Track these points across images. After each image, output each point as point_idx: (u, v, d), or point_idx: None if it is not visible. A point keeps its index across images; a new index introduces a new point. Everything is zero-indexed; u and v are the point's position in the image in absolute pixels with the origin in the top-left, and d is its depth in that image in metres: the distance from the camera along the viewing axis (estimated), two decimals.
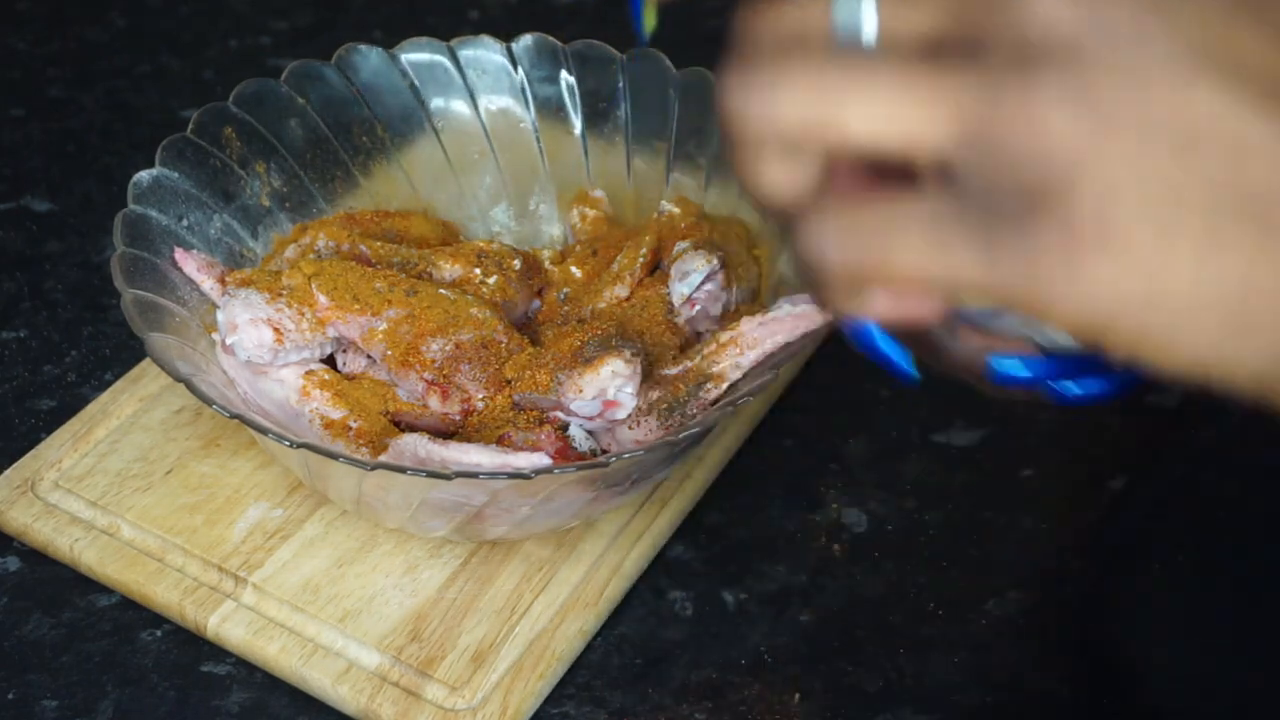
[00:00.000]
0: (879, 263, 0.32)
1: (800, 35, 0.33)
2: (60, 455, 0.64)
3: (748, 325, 0.60)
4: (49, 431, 0.66)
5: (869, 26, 0.33)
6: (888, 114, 0.32)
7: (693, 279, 0.63)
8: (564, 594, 0.60)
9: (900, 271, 0.32)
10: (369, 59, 0.70)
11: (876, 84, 0.32)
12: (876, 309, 0.34)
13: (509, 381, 0.60)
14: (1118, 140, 0.30)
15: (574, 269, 0.67)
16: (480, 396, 0.60)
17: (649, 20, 0.45)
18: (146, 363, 0.69)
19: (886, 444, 0.69)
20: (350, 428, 0.59)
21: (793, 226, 0.34)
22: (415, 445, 0.56)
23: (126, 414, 0.67)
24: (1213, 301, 0.31)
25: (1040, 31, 0.31)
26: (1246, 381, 0.32)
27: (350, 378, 0.62)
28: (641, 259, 0.66)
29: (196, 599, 0.59)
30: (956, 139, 0.31)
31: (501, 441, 0.58)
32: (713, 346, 0.61)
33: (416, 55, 0.71)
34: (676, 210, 0.67)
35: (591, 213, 0.70)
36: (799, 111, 0.32)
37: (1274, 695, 0.53)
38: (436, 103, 0.71)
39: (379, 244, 0.65)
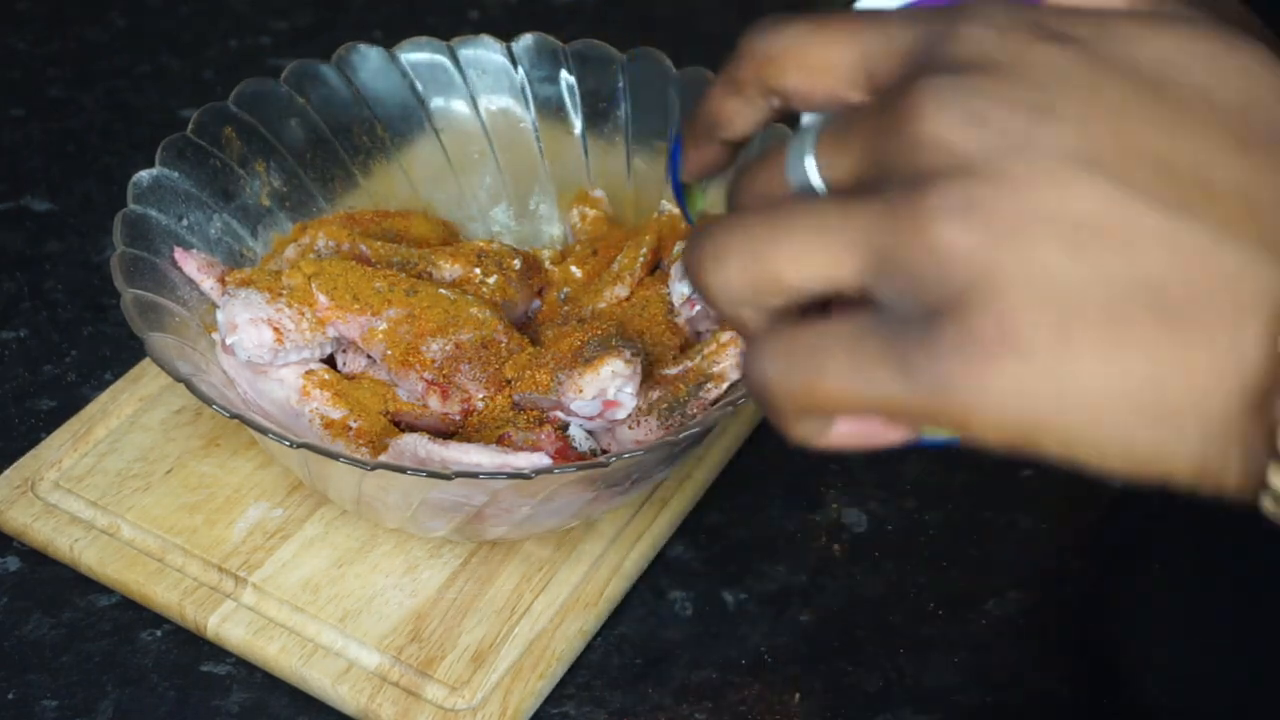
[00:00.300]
0: (810, 387, 0.33)
1: (758, 193, 0.36)
2: (60, 455, 0.64)
3: None
4: (49, 431, 0.66)
5: (815, 179, 0.35)
6: (808, 261, 0.33)
7: None
8: (564, 594, 0.60)
9: (829, 395, 0.33)
10: (369, 59, 0.70)
11: (794, 235, 0.34)
12: (838, 437, 0.35)
13: (509, 381, 0.60)
14: (1007, 245, 0.31)
15: (574, 269, 0.67)
16: (480, 396, 0.60)
17: (694, 204, 0.46)
18: (146, 363, 0.69)
19: None
20: (350, 428, 0.59)
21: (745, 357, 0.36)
22: (415, 445, 0.57)
23: (126, 414, 0.67)
24: (1124, 393, 0.31)
25: (931, 153, 0.32)
26: (1183, 469, 0.32)
27: (350, 378, 0.62)
28: (641, 259, 0.66)
29: (196, 599, 0.59)
30: (867, 269, 0.33)
31: (501, 441, 0.58)
32: (713, 346, 0.61)
33: (416, 55, 0.71)
34: (677, 210, 0.67)
35: (591, 213, 0.70)
36: (741, 277, 0.34)
37: (1274, 695, 0.53)
38: (436, 103, 0.71)
39: (379, 244, 0.65)
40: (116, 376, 0.69)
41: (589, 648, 0.60)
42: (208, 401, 0.54)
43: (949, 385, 0.31)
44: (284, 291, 0.61)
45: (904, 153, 0.32)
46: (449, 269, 0.64)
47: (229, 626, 0.58)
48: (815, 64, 0.36)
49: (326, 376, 0.61)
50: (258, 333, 0.59)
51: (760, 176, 0.36)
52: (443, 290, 0.62)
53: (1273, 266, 0.31)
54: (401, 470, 0.53)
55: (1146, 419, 0.31)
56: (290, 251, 0.65)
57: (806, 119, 0.37)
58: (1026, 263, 0.31)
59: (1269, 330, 0.31)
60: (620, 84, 0.70)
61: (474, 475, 0.52)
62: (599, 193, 0.71)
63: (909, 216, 0.32)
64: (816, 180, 0.35)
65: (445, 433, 0.60)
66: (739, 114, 0.39)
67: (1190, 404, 0.31)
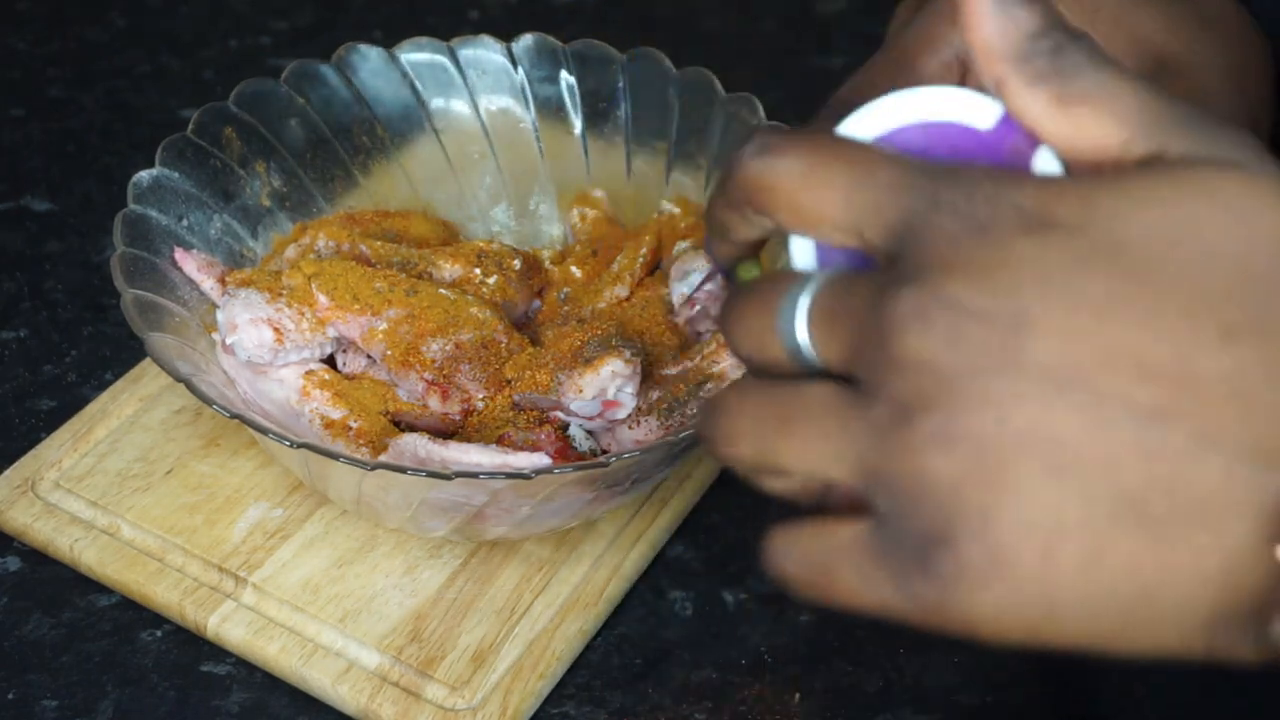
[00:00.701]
0: (822, 590, 0.36)
1: (751, 343, 0.37)
2: (60, 455, 0.64)
3: None
4: (49, 431, 0.66)
5: (808, 351, 0.36)
6: (810, 461, 0.35)
7: (693, 279, 0.63)
8: (564, 594, 0.60)
9: (840, 598, 0.36)
10: (369, 59, 0.70)
11: (797, 434, 0.35)
12: None
13: (509, 381, 0.60)
14: (991, 475, 0.32)
15: (574, 269, 0.67)
16: (480, 396, 0.60)
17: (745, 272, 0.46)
18: (146, 363, 0.69)
19: None
20: (350, 428, 0.59)
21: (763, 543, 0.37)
22: (415, 445, 0.57)
23: (126, 414, 0.67)
24: (1110, 601, 0.32)
25: (915, 374, 0.33)
26: (1191, 652, 0.33)
27: (350, 378, 0.62)
28: (641, 259, 0.66)
29: (196, 599, 0.59)
30: (862, 482, 0.34)
31: (501, 441, 0.58)
32: (713, 346, 0.61)
33: (416, 55, 0.71)
34: (676, 210, 0.67)
35: (591, 213, 0.70)
36: (751, 460, 0.36)
37: (1274, 696, 0.53)
38: (436, 103, 0.71)
39: (379, 244, 0.65)
40: (116, 376, 0.69)
41: (589, 648, 0.60)
42: (208, 401, 0.54)
43: (946, 606, 0.33)
44: (284, 291, 0.61)
45: (889, 370, 0.33)
46: (449, 269, 0.64)
47: (229, 626, 0.58)
48: (806, 209, 0.36)
49: (326, 376, 0.61)
50: (258, 333, 0.59)
51: (751, 322, 0.37)
52: (443, 290, 0.62)
53: (1260, 470, 0.31)
54: (401, 470, 0.53)
55: (1138, 620, 0.32)
56: (290, 251, 0.65)
57: (797, 251, 0.38)
58: (1010, 491, 0.32)
59: (1260, 536, 0.31)
60: (620, 84, 0.70)
61: (474, 475, 0.53)
62: (599, 193, 0.71)
63: (897, 448, 0.33)
64: (809, 353, 0.36)
65: (445, 433, 0.60)
66: (743, 226, 0.39)
67: (1180, 605, 0.32)
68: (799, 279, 0.36)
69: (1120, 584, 0.32)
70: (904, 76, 0.45)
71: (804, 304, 0.35)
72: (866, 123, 0.39)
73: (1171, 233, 0.32)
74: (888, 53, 0.47)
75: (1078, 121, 0.36)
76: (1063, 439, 0.32)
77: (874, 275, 0.35)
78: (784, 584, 0.36)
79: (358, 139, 0.70)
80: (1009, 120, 0.38)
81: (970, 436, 0.32)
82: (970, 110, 0.38)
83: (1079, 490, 0.32)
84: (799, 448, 0.35)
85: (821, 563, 0.35)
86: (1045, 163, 0.37)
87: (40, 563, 0.62)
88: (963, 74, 0.45)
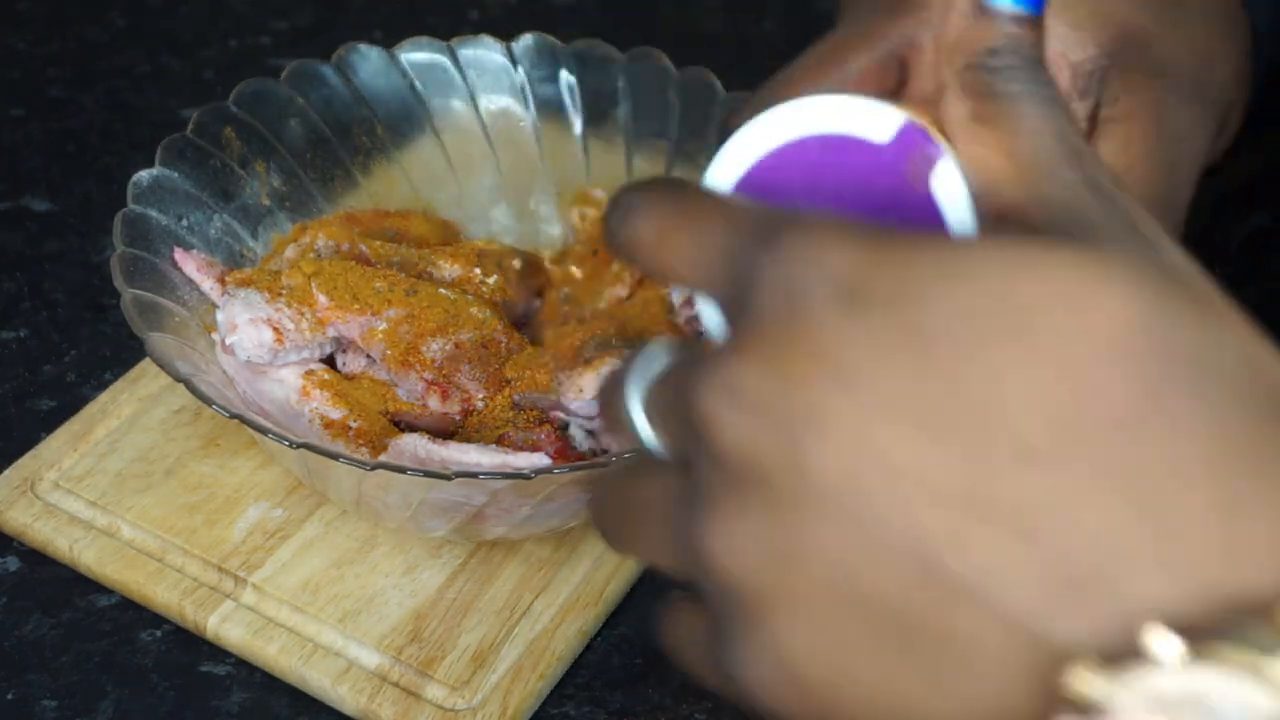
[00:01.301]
0: (682, 659, 0.35)
1: (611, 417, 0.35)
2: (60, 455, 0.64)
3: None
4: (49, 431, 0.66)
5: (647, 437, 0.34)
6: (653, 554, 0.34)
7: None
8: (564, 594, 0.60)
9: (690, 667, 0.35)
10: (369, 59, 0.70)
11: (642, 530, 0.35)
12: None
13: (509, 381, 0.60)
14: (768, 585, 0.31)
15: (574, 269, 0.67)
16: (480, 396, 0.60)
17: None
18: (146, 363, 0.69)
19: None
20: (350, 428, 0.59)
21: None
22: (415, 445, 0.57)
23: (126, 414, 0.67)
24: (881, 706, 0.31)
25: (715, 466, 0.31)
26: None
27: (350, 378, 0.62)
28: None
29: (196, 599, 0.59)
30: (686, 575, 0.34)
31: (501, 441, 0.58)
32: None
33: (416, 55, 0.71)
34: None
35: (591, 213, 0.70)
36: (615, 546, 0.36)
37: None
38: (436, 103, 0.71)
39: (379, 244, 0.65)
40: (116, 376, 0.69)
41: (589, 648, 0.60)
42: (207, 401, 0.54)
43: (743, 695, 0.32)
44: (284, 291, 0.61)
45: (701, 463, 0.32)
46: (449, 269, 0.64)
47: (229, 626, 0.58)
48: (667, 272, 0.34)
49: (326, 376, 0.61)
50: (258, 333, 0.59)
51: (611, 401, 0.35)
52: (443, 290, 0.62)
53: (1040, 619, 0.28)
54: (401, 470, 0.53)
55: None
56: (290, 251, 0.65)
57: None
58: (783, 608, 0.30)
59: (1033, 701, 0.28)
60: (620, 84, 0.70)
61: (474, 475, 0.53)
62: (599, 193, 0.71)
63: (700, 547, 0.32)
64: (649, 438, 0.34)
65: (445, 433, 0.60)
66: None
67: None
68: (648, 357, 0.34)
69: (881, 711, 0.30)
70: (832, 73, 0.43)
71: (638, 388, 0.34)
72: (752, 140, 0.36)
73: (984, 322, 0.29)
74: (819, 47, 0.45)
75: (982, 143, 0.35)
76: (838, 557, 0.30)
77: (697, 358, 0.32)
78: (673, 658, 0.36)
79: (358, 139, 0.70)
80: (909, 132, 0.35)
81: (750, 548, 0.31)
82: (866, 122, 0.35)
83: (846, 614, 0.30)
84: (644, 543, 0.34)
85: (677, 637, 0.35)
86: (945, 179, 0.35)
87: (40, 563, 0.62)
88: (901, 74, 0.43)
